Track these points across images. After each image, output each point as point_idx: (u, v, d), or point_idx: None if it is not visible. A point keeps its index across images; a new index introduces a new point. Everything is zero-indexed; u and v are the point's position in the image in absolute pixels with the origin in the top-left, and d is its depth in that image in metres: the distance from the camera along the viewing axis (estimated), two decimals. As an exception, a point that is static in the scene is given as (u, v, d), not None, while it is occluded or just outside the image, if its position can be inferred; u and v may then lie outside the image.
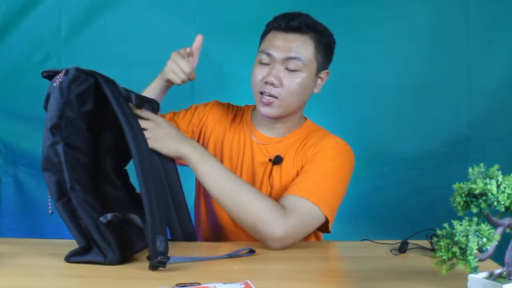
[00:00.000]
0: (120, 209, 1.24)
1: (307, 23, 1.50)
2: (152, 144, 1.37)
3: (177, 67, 1.46)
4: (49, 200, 1.22)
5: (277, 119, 1.55)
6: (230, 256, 1.27)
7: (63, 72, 1.22)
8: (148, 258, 1.17)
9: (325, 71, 1.57)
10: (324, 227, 1.45)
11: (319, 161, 1.47)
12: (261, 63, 1.50)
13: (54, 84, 1.21)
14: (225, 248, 1.36)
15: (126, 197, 1.39)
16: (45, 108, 1.23)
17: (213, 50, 2.25)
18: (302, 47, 1.48)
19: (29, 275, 1.14)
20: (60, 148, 1.21)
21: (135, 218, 1.21)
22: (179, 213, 1.46)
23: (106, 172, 1.36)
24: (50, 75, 1.23)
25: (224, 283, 1.05)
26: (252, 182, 1.55)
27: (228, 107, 1.69)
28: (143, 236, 1.22)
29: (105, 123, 1.34)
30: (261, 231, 1.34)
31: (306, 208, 1.38)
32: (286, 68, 1.48)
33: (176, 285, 1.04)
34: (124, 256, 1.23)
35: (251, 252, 1.30)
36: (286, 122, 1.57)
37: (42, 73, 1.24)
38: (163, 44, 2.24)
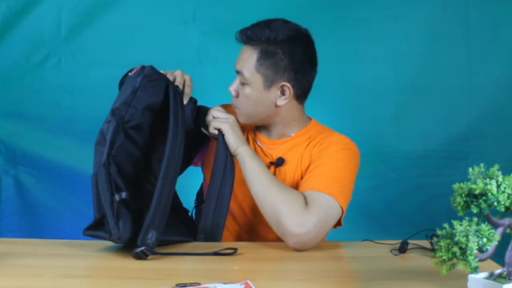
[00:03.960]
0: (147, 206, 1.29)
1: (251, 35, 1.45)
2: (219, 124, 1.47)
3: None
4: None
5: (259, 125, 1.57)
6: (215, 253, 1.27)
7: (141, 67, 1.38)
8: (135, 246, 1.22)
9: (283, 84, 1.46)
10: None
11: (327, 156, 1.47)
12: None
13: (130, 74, 1.37)
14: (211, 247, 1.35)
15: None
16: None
17: (213, 50, 2.25)
18: (245, 61, 1.47)
19: (29, 275, 1.14)
20: (111, 125, 1.32)
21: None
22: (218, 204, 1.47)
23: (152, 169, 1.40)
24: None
25: (224, 283, 1.05)
26: None
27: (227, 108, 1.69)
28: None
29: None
30: (280, 226, 1.35)
31: (323, 200, 1.38)
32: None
33: (176, 285, 1.04)
34: (128, 237, 1.25)
35: (234, 250, 1.29)
36: (274, 129, 1.55)
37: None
38: (163, 44, 2.25)
